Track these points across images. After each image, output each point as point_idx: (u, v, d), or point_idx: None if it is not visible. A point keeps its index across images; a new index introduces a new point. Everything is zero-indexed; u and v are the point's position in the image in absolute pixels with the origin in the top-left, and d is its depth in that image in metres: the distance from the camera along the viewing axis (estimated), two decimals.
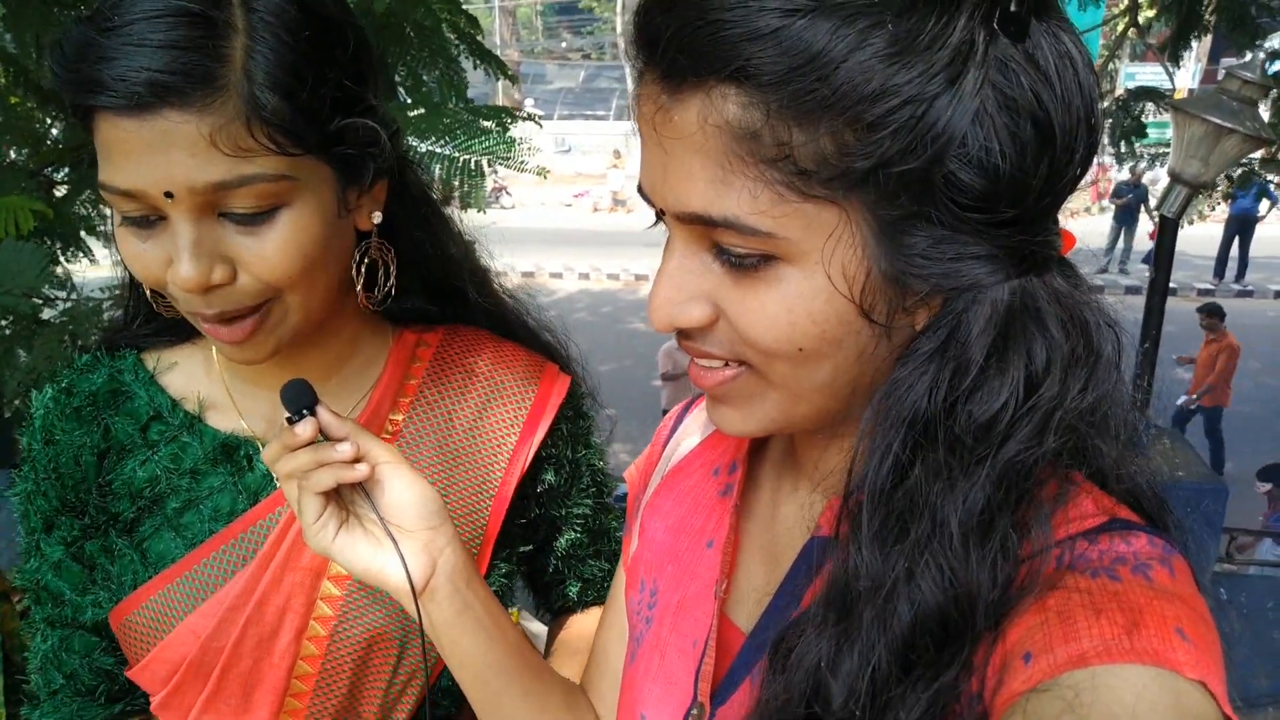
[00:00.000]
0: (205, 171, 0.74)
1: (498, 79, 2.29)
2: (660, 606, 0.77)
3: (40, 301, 2.15)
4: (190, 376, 0.98)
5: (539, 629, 1.22)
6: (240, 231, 0.77)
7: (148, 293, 0.90)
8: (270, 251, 0.78)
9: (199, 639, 0.90)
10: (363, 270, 0.90)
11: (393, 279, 0.92)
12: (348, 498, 0.78)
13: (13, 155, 2.76)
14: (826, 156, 0.52)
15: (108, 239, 3.02)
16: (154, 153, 0.73)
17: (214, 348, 0.97)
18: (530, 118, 1.97)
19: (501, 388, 1.02)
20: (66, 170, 2.83)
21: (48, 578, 0.95)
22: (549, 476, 1.05)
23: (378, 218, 0.89)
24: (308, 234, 0.80)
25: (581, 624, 1.12)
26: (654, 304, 0.60)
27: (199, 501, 0.93)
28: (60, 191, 2.82)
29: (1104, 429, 0.57)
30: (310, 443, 0.75)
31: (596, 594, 1.12)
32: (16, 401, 2.16)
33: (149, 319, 0.99)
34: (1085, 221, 15.10)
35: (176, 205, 0.75)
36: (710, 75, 0.53)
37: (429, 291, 1.03)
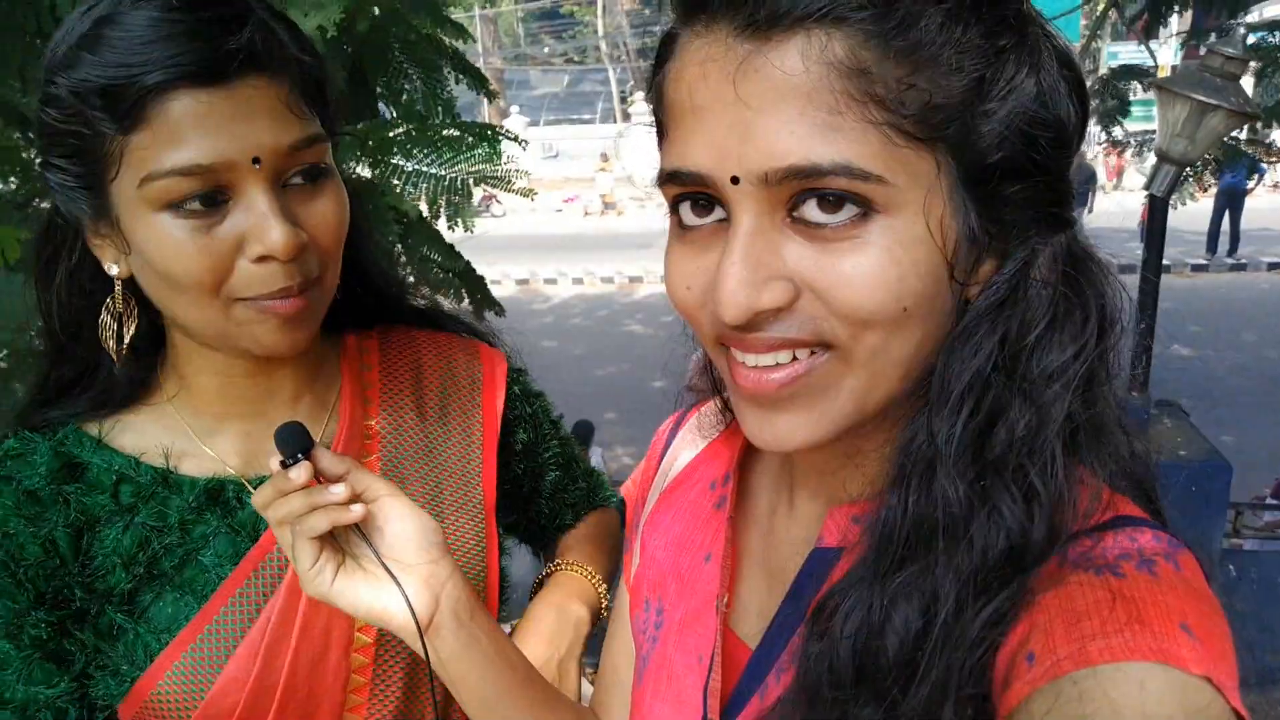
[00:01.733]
0: (287, 132, 0.79)
1: (480, 93, 2.29)
2: (665, 625, 0.76)
3: (35, 335, 2.14)
4: (143, 434, 0.92)
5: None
6: (301, 198, 0.82)
7: (119, 336, 0.86)
8: (331, 213, 0.83)
9: (246, 684, 0.87)
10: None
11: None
12: (343, 538, 0.77)
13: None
14: (927, 100, 0.52)
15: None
16: (238, 121, 0.76)
17: (168, 398, 0.92)
18: (516, 139, 1.96)
19: (451, 373, 1.07)
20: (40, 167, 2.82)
21: (15, 689, 0.83)
22: (521, 435, 1.11)
23: None
24: (344, 199, 0.86)
25: (582, 527, 1.20)
26: (728, 288, 0.54)
27: (195, 553, 0.89)
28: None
29: (1105, 402, 0.58)
30: (304, 487, 0.74)
31: (586, 508, 1.21)
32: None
33: (73, 390, 0.92)
34: (1104, 198, 15.07)
35: (258, 174, 0.77)
36: (810, 16, 0.51)
37: (368, 297, 1.04)
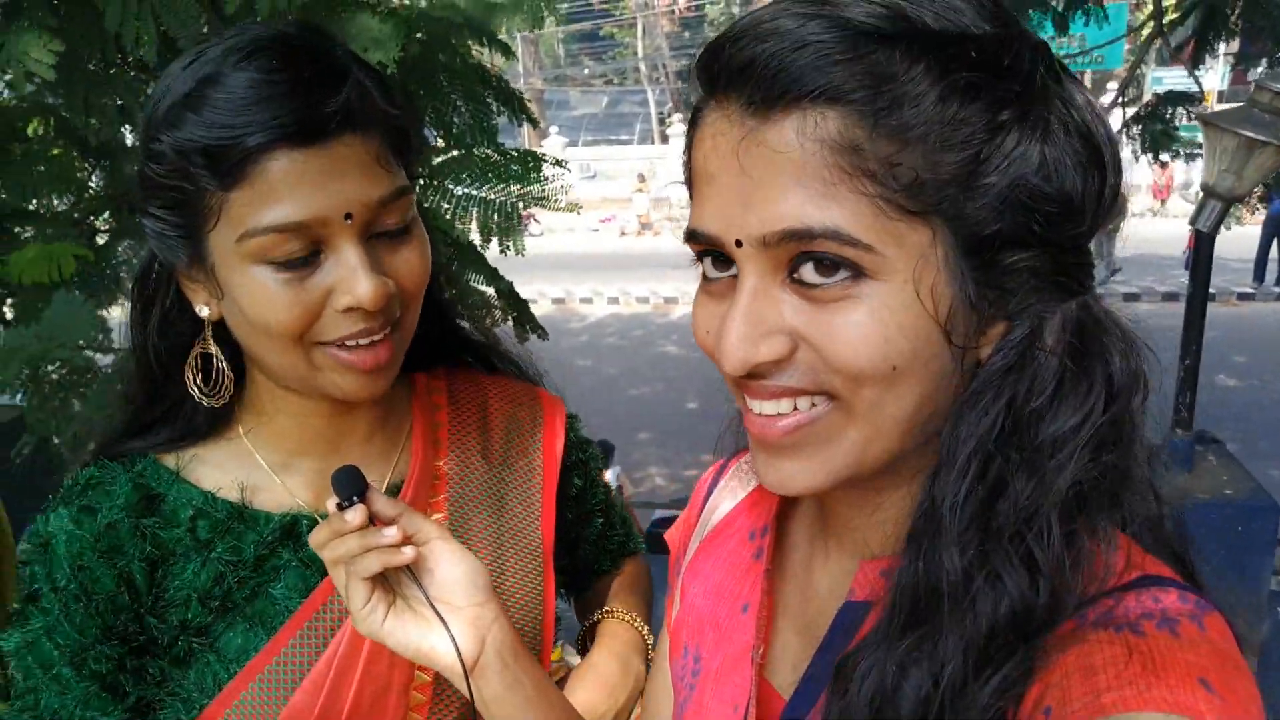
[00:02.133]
0: (377, 187, 0.81)
1: (519, 125, 2.32)
2: (703, 672, 0.77)
3: (91, 351, 2.20)
4: (219, 468, 0.94)
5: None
6: (389, 248, 0.84)
7: (205, 374, 0.90)
8: (416, 262, 0.86)
9: (311, 715, 0.88)
10: None
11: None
12: (394, 579, 0.79)
13: (56, 204, 2.84)
14: (921, 176, 0.54)
15: None
16: (332, 179, 0.78)
17: (242, 433, 0.95)
18: (559, 163, 1.99)
19: (515, 416, 1.08)
20: (107, 216, 2.91)
21: (73, 714, 0.87)
22: (576, 481, 1.13)
23: None
24: (427, 246, 0.89)
25: (622, 576, 1.20)
26: (728, 343, 0.58)
27: (266, 585, 0.91)
28: (102, 240, 2.89)
29: (1134, 468, 0.59)
30: (359, 529, 0.76)
31: (624, 554, 1.22)
32: (67, 451, 2.21)
33: (157, 425, 0.95)
34: (1149, 224, 14.84)
35: (349, 229, 0.80)
36: (805, 96, 0.54)
37: (442, 340, 1.06)
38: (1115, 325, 0.59)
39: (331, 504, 0.77)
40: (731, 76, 0.57)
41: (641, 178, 18.71)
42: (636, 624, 1.11)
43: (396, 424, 1.01)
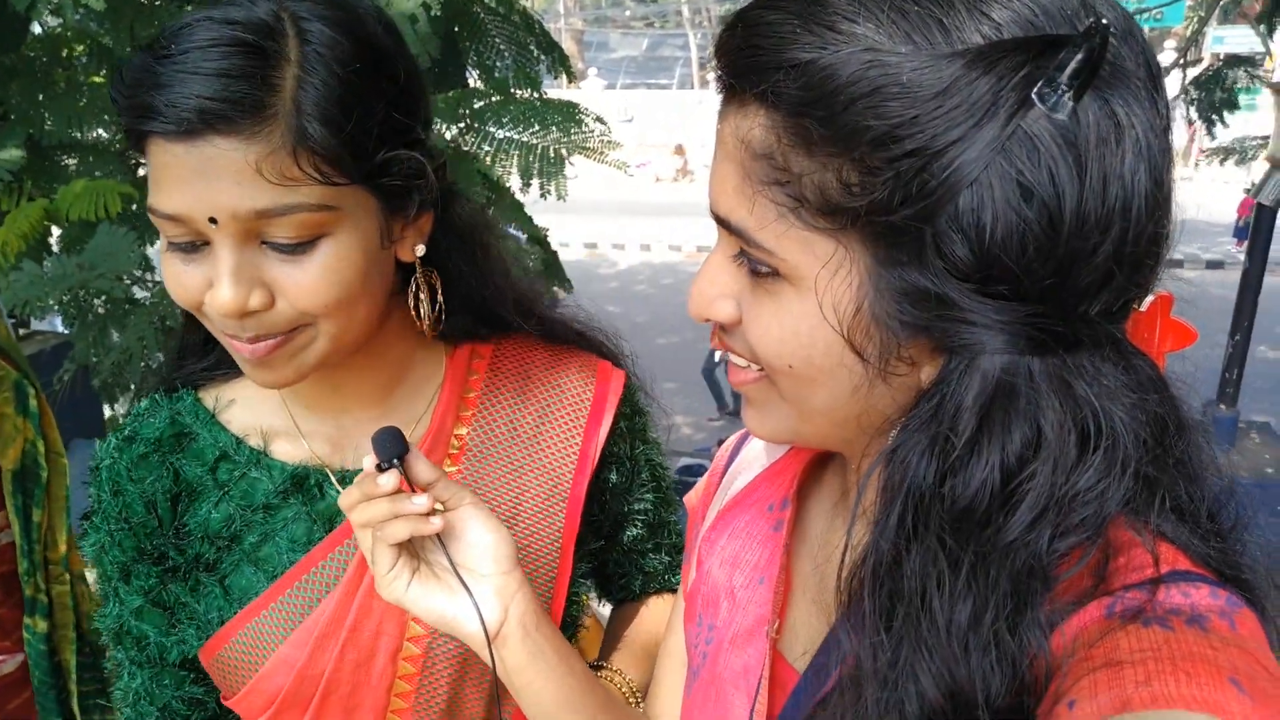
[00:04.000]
0: (250, 199, 0.74)
1: (557, 76, 2.28)
2: (716, 642, 0.77)
3: (130, 284, 2.24)
4: (250, 410, 0.97)
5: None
6: (281, 260, 0.78)
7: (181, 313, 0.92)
8: (310, 280, 0.78)
9: (294, 668, 0.90)
10: (417, 299, 0.92)
11: (440, 308, 0.94)
12: (419, 544, 0.79)
13: (102, 135, 2.86)
14: (827, 190, 0.53)
15: None
16: (200, 179, 0.74)
17: None
18: (599, 120, 1.96)
19: (559, 390, 1.03)
20: None
21: (130, 623, 0.95)
22: (611, 475, 1.06)
23: (420, 250, 0.89)
24: (348, 264, 0.80)
25: (644, 620, 1.13)
26: (691, 293, 0.63)
27: (274, 534, 0.93)
28: (143, 172, 2.92)
29: (1159, 509, 0.54)
30: (390, 494, 0.75)
31: (658, 585, 1.14)
32: (108, 379, 2.26)
33: (204, 352, 0.99)
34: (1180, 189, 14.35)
35: (219, 231, 0.76)
36: (745, 93, 0.55)
37: (475, 316, 1.01)
38: (1066, 395, 0.52)
39: (369, 463, 0.76)
40: (716, 52, 0.58)
41: (679, 149, 18.46)
42: (625, 686, 1.05)
43: (421, 385, 1.00)
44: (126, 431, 0.96)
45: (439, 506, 0.77)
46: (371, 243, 0.82)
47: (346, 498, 0.77)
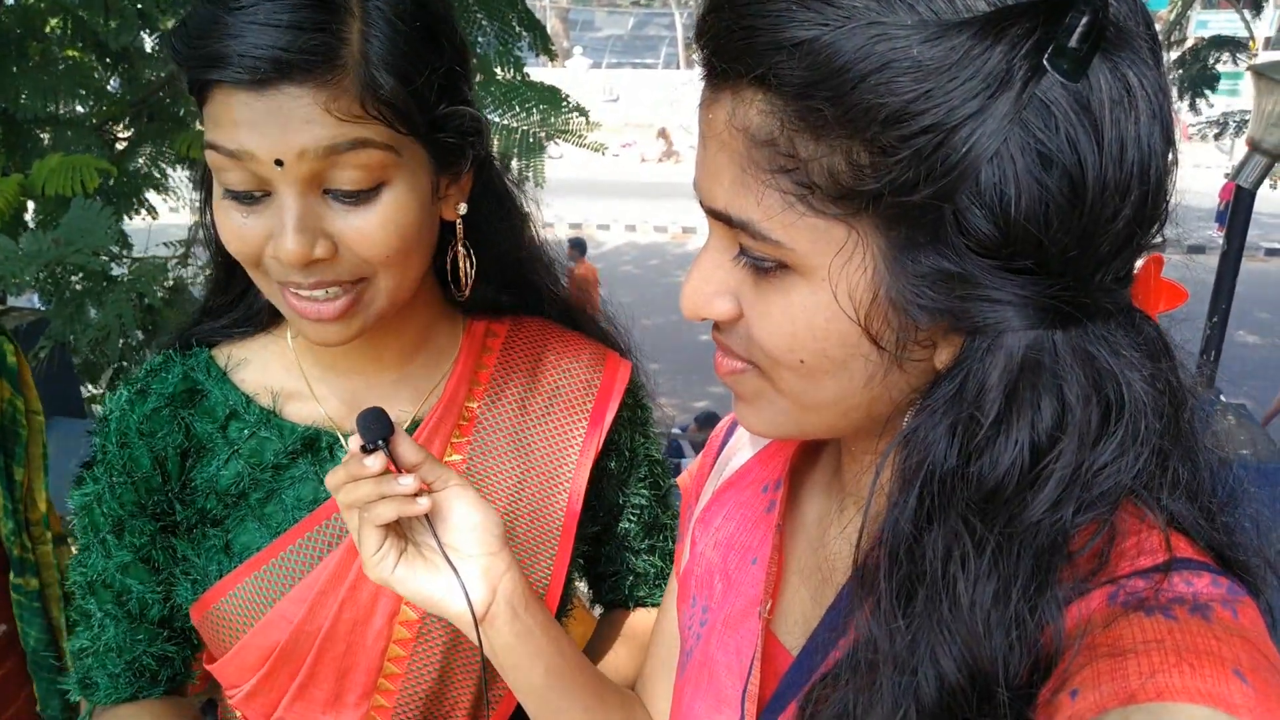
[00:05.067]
0: (319, 135, 0.76)
1: (539, 54, 2.26)
2: (709, 623, 0.77)
3: (108, 259, 2.21)
4: (263, 370, 0.98)
5: None
6: (344, 209, 0.80)
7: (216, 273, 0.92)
8: (372, 229, 0.80)
9: (291, 624, 0.91)
10: (451, 260, 0.94)
11: (474, 270, 0.95)
12: (406, 525, 0.79)
13: (77, 109, 2.82)
14: (838, 174, 0.51)
15: (167, 192, 3.09)
16: (270, 121, 0.76)
17: (289, 336, 0.99)
18: (582, 111, 1.93)
19: (569, 375, 1.04)
20: (126, 124, 2.89)
21: (114, 576, 0.96)
22: (611, 464, 1.06)
23: (463, 209, 0.91)
24: (406, 213, 0.82)
25: (631, 625, 1.13)
26: (684, 292, 0.60)
27: (281, 492, 0.95)
28: (120, 147, 2.88)
29: (1169, 485, 0.54)
30: (378, 475, 0.75)
31: (648, 590, 1.14)
32: (88, 356, 2.24)
33: (223, 311, 1.00)
34: None
35: (285, 176, 0.77)
36: (740, 77, 0.53)
37: (502, 283, 1.03)
38: (1091, 368, 0.52)
39: (354, 444, 0.76)
40: (699, 35, 0.56)
41: (663, 133, 18.36)
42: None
43: (437, 356, 1.00)
44: (139, 385, 0.97)
45: (425, 488, 0.77)
46: (425, 196, 0.84)
47: (333, 477, 0.77)
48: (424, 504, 0.75)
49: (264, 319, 1.00)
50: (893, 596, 0.54)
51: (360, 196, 0.80)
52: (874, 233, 0.52)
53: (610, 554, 1.12)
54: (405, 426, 0.96)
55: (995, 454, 0.52)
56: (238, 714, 1.00)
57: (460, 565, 0.77)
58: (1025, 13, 0.47)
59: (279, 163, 0.77)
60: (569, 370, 1.04)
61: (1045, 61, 0.48)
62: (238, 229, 0.81)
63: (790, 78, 0.50)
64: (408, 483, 0.74)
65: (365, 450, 0.75)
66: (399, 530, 0.78)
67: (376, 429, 0.75)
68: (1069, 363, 0.52)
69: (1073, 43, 0.47)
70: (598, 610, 1.20)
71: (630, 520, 1.10)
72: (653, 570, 1.13)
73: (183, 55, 0.78)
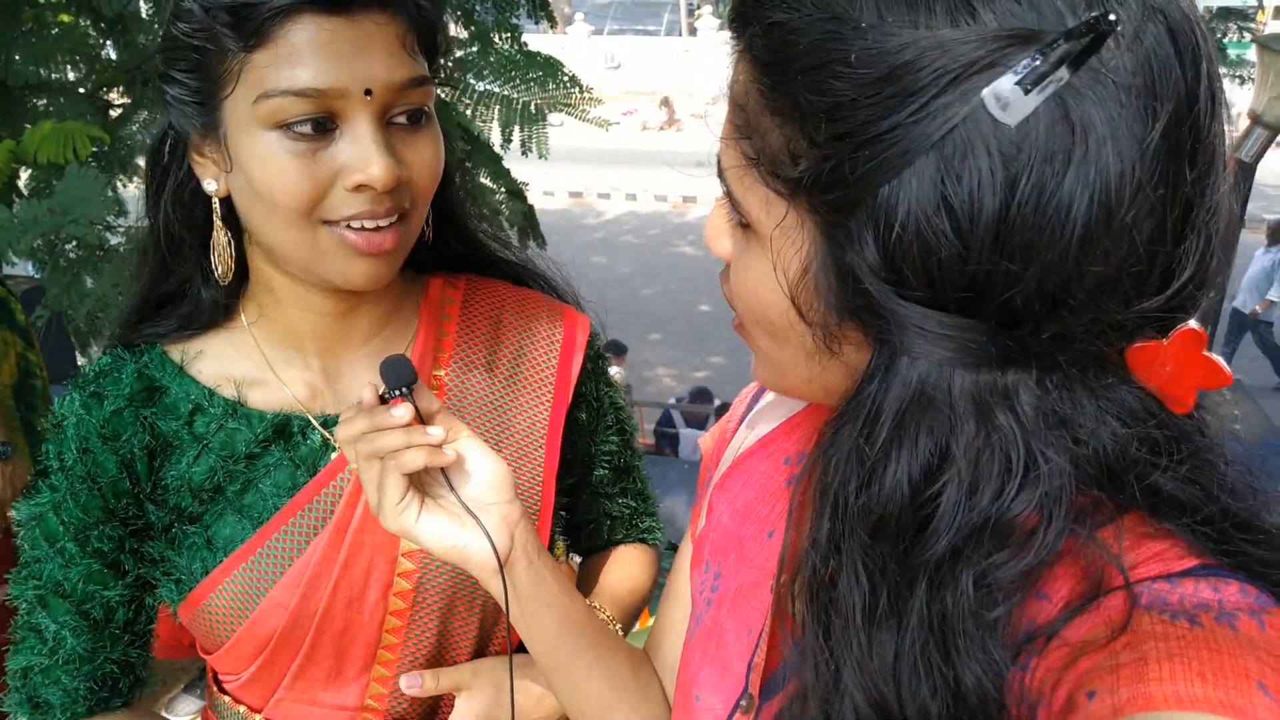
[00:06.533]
0: (400, 69, 0.81)
1: (538, 22, 2.23)
2: (721, 590, 0.77)
3: (104, 229, 2.19)
4: (220, 360, 0.96)
5: None
6: (404, 136, 0.84)
7: (220, 249, 0.90)
8: (429, 155, 0.86)
9: (287, 610, 0.91)
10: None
11: (430, 224, 0.95)
12: (421, 476, 0.79)
13: (71, 75, 2.79)
14: (778, 155, 0.52)
15: None
16: (359, 52, 0.79)
17: (246, 324, 0.96)
18: (580, 84, 1.91)
19: (531, 333, 1.05)
20: (121, 90, 2.86)
21: (75, 585, 0.93)
22: (581, 415, 1.08)
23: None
24: (441, 144, 0.88)
25: (612, 568, 1.15)
26: (706, 221, 0.63)
27: (257, 481, 0.94)
28: (115, 114, 2.85)
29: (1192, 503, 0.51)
30: (404, 425, 0.75)
31: (625, 532, 1.17)
32: (85, 326, 2.23)
33: (161, 313, 0.98)
34: None
35: (368, 105, 0.80)
36: (741, 42, 0.55)
37: (456, 238, 1.04)
38: (1008, 414, 0.48)
39: (370, 394, 0.76)
40: None
41: (666, 101, 18.20)
42: (615, 629, 1.07)
43: (401, 328, 1.00)
44: (91, 389, 0.93)
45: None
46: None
47: (349, 429, 0.76)
48: (451, 453, 0.76)
49: (206, 318, 0.97)
50: (816, 625, 0.53)
51: (418, 123, 0.85)
52: (810, 215, 0.52)
53: (586, 502, 1.14)
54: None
55: (881, 481, 0.50)
56: (225, 700, 1.01)
57: (479, 514, 0.78)
58: (985, 41, 0.45)
59: (368, 92, 0.79)
60: (529, 330, 1.05)
61: (984, 95, 0.45)
62: (304, 169, 0.80)
63: (760, 54, 0.52)
64: (437, 432, 0.75)
65: (382, 399, 0.75)
66: (416, 481, 0.78)
67: (399, 377, 0.75)
68: (961, 411, 0.49)
69: (1023, 82, 0.44)
70: (576, 560, 1.23)
71: (603, 467, 1.12)
72: (627, 511, 1.16)
73: None
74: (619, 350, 7.15)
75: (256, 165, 0.81)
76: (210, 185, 0.87)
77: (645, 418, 7.14)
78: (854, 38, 0.47)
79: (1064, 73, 0.44)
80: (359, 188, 0.81)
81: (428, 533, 0.77)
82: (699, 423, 6.73)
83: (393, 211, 0.84)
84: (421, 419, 0.76)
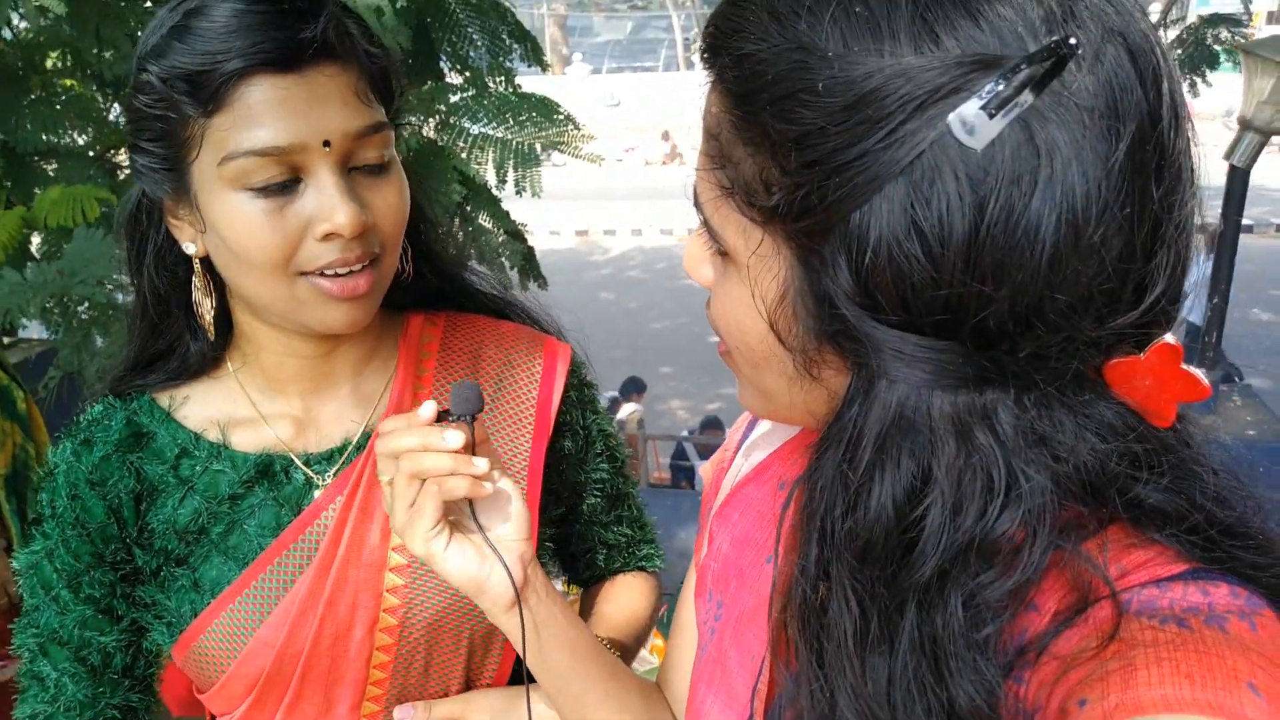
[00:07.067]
0: (355, 119, 0.83)
1: (531, 65, 2.27)
2: (724, 619, 0.77)
3: (112, 289, 2.23)
4: (206, 404, 0.98)
5: None
6: (367, 183, 0.86)
7: (203, 310, 0.92)
8: (394, 199, 0.87)
9: (273, 649, 0.92)
10: (403, 254, 0.95)
11: (409, 261, 0.97)
12: (449, 505, 0.79)
13: (78, 139, 2.84)
14: (751, 184, 0.53)
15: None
16: (314, 106, 0.81)
17: (232, 369, 0.99)
18: (576, 124, 1.93)
19: (510, 365, 1.05)
20: (126, 151, 2.91)
21: (71, 632, 0.95)
22: (566, 443, 1.08)
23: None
24: (405, 188, 0.90)
25: (610, 597, 1.15)
26: (685, 249, 0.63)
27: (242, 522, 0.95)
28: (121, 176, 2.90)
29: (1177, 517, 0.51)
30: (454, 450, 0.75)
31: (623, 560, 1.16)
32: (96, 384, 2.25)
33: (151, 366, 1.00)
34: None
35: (328, 156, 0.82)
36: (712, 73, 0.55)
37: (433, 273, 1.05)
38: (988, 436, 0.49)
39: (430, 409, 0.76)
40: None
41: (666, 136, 18.39)
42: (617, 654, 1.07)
43: (382, 367, 1.02)
44: (82, 436, 0.96)
45: None
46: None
47: (394, 441, 0.75)
48: (489, 488, 0.76)
49: (197, 367, 0.99)
50: (809, 652, 0.53)
51: (379, 171, 0.86)
52: (785, 242, 0.53)
53: (580, 532, 1.13)
54: (357, 440, 0.97)
55: (866, 505, 0.50)
56: None
57: (499, 549, 0.78)
58: (947, 68, 0.46)
59: (326, 144, 0.81)
60: (509, 362, 1.05)
61: (949, 120, 0.45)
62: (274, 225, 0.82)
63: (731, 85, 0.52)
64: (482, 464, 0.74)
65: (443, 418, 0.76)
66: (445, 509, 0.78)
67: (468, 404, 0.75)
68: (940, 432, 0.49)
69: (987, 107, 0.44)
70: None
71: (594, 496, 1.12)
72: (623, 539, 1.15)
73: (203, 54, 0.80)
74: (639, 388, 7.14)
75: (227, 225, 0.83)
76: (190, 248, 0.89)
77: (660, 452, 7.11)
78: (821, 67, 0.48)
79: (1027, 96, 0.45)
80: (328, 236, 0.83)
81: (451, 561, 0.77)
82: (711, 453, 6.69)
83: (364, 257, 0.85)
84: (470, 449, 0.76)
